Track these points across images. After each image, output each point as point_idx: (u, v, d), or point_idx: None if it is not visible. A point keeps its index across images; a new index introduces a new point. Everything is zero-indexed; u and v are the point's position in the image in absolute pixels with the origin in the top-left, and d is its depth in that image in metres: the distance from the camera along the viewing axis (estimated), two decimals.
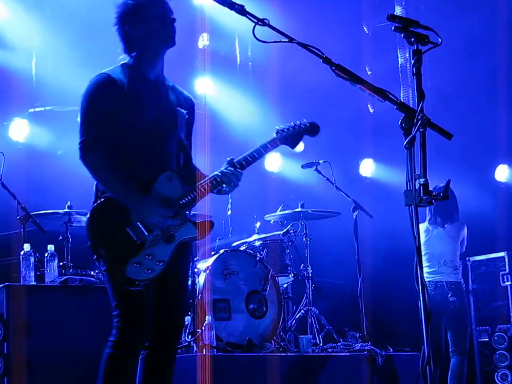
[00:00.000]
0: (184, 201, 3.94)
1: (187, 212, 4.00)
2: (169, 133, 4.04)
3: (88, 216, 3.90)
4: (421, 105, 2.89)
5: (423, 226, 7.52)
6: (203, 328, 6.10)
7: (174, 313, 4.01)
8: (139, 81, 4.01)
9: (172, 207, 3.88)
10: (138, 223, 3.82)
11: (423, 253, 7.37)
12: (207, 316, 6.19)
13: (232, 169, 3.95)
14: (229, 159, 4.01)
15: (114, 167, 3.84)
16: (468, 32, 9.45)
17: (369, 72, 10.04)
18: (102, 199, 3.88)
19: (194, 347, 6.09)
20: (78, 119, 4.00)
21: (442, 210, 7.28)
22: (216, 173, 3.99)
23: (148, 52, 4.03)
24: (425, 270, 7.40)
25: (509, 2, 9.22)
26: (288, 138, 4.09)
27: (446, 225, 7.32)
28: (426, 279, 7.17)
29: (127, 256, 3.77)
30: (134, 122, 3.92)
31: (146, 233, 3.83)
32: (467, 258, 8.30)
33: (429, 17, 9.74)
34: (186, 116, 4.14)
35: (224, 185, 3.98)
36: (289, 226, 7.66)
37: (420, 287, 2.80)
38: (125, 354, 3.84)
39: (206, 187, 3.97)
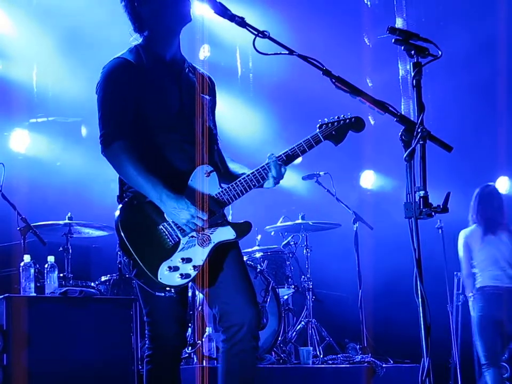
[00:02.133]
0: (222, 199, 3.62)
1: (224, 211, 3.66)
2: (196, 120, 3.71)
3: (116, 214, 3.55)
4: (421, 117, 2.89)
5: (471, 232, 7.30)
6: (203, 339, 6.09)
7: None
8: (156, 62, 3.70)
9: (208, 206, 3.56)
10: (172, 223, 3.52)
11: (481, 258, 7.18)
12: (207, 328, 6.18)
13: (276, 162, 3.64)
14: (269, 154, 3.67)
15: (140, 160, 3.50)
16: (468, 44, 9.48)
17: (370, 84, 10.06)
18: (130, 195, 3.59)
19: (195, 358, 6.09)
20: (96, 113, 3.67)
21: (491, 217, 7.19)
22: (256, 169, 3.67)
23: (162, 30, 3.71)
24: (489, 274, 7.18)
25: (508, 15, 9.24)
26: (332, 133, 3.72)
27: (498, 231, 7.20)
28: (490, 284, 7.06)
29: (160, 259, 3.47)
30: (157, 108, 3.62)
31: (180, 234, 3.53)
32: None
33: (430, 29, 9.77)
34: (210, 103, 3.87)
35: (267, 179, 3.66)
36: (289, 237, 7.67)
37: (420, 299, 2.80)
38: (161, 366, 3.66)
39: (246, 184, 3.64)
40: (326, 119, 3.75)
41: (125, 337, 5.36)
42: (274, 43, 3.29)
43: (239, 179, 3.66)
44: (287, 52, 3.26)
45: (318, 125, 3.74)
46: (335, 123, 3.74)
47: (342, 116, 3.76)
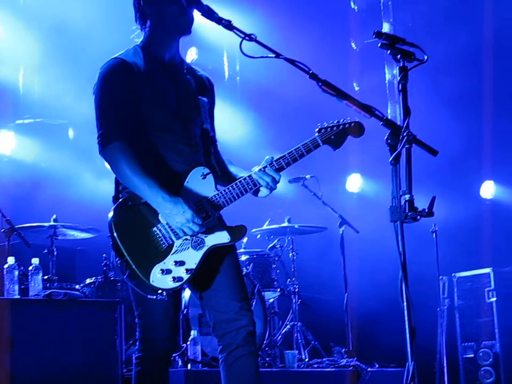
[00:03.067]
0: (217, 201, 3.58)
1: (218, 215, 3.63)
2: (193, 121, 3.72)
3: (110, 214, 3.49)
4: (406, 121, 2.91)
5: None
6: (188, 343, 6.08)
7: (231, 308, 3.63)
8: (154, 63, 3.70)
9: (203, 209, 3.54)
10: (166, 225, 3.49)
11: None
12: (192, 331, 6.17)
13: (269, 171, 3.59)
14: (268, 157, 3.62)
15: (137, 161, 3.49)
16: (455, 49, 9.51)
17: (357, 88, 10.08)
18: (126, 196, 3.55)
19: (180, 362, 6.07)
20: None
21: None
22: (253, 171, 3.62)
23: (161, 33, 3.72)
24: None
25: (495, 19, 9.28)
26: (331, 138, 3.64)
27: None
28: None
29: (153, 261, 3.43)
30: (154, 109, 3.62)
31: (174, 237, 3.49)
32: (452, 275, 8.31)
33: (416, 34, 9.80)
34: (208, 105, 3.85)
35: (260, 188, 3.63)
36: (276, 241, 7.67)
37: (405, 303, 2.80)
38: (151, 369, 3.64)
39: (243, 188, 3.60)
40: (325, 123, 3.68)
41: (110, 340, 5.34)
42: (261, 46, 3.29)
43: (235, 182, 3.63)
44: (273, 55, 3.26)
45: (317, 129, 3.66)
46: (334, 127, 3.67)
47: (341, 120, 3.70)
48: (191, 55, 9.23)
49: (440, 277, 8.13)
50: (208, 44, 9.14)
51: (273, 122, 9.68)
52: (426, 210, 2.85)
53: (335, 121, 3.69)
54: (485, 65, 9.29)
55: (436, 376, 7.94)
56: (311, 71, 3.18)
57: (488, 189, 10.19)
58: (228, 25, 3.41)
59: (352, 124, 3.69)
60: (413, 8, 10.18)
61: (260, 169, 3.60)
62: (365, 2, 10.18)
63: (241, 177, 3.65)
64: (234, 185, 3.62)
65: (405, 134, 2.89)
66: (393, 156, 2.89)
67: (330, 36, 9.63)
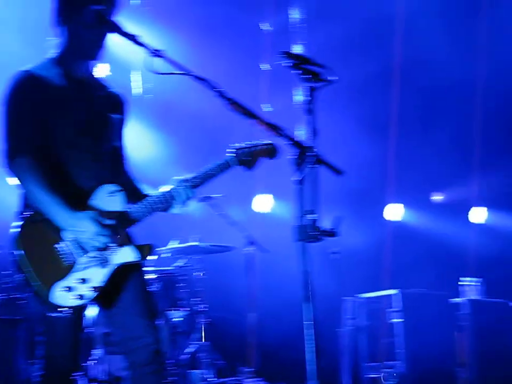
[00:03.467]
0: (126, 219, 3.57)
1: (126, 232, 3.59)
2: (103, 138, 3.71)
3: (14, 230, 3.43)
4: (313, 142, 2.94)
5: None
6: (92, 362, 5.99)
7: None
8: (66, 78, 3.67)
9: (110, 226, 3.51)
10: (70, 242, 3.43)
11: None
12: (96, 350, 6.08)
13: (184, 188, 3.62)
14: (180, 177, 3.64)
15: (43, 177, 3.44)
16: (365, 72, 9.70)
17: (268, 109, 10.14)
18: (31, 211, 3.47)
19: (83, 381, 5.96)
20: None
21: None
22: (164, 190, 3.63)
23: (74, 52, 3.69)
24: None
25: (403, 43, 9.51)
26: (245, 159, 3.72)
27: None
28: None
29: (55, 278, 3.38)
30: (63, 124, 3.58)
31: (79, 254, 3.44)
32: (356, 296, 8.41)
33: (328, 56, 9.93)
34: (119, 122, 3.84)
35: (173, 205, 3.65)
36: (184, 260, 7.63)
37: (308, 322, 2.82)
38: None
39: (154, 206, 3.61)
40: (241, 144, 3.71)
41: (10, 358, 5.22)
42: (170, 63, 3.28)
43: (146, 200, 3.63)
44: (182, 72, 3.26)
45: (231, 150, 3.70)
46: (249, 148, 3.73)
47: (257, 141, 3.73)
48: (104, 71, 9.14)
49: (344, 298, 8.23)
50: (121, 60, 9.06)
51: (183, 140, 9.67)
52: (330, 231, 2.88)
53: (250, 142, 3.74)
54: (392, 90, 9.50)
55: None
56: (219, 89, 3.19)
57: (393, 211, 10.38)
58: (136, 40, 3.41)
59: (266, 146, 3.74)
60: (326, 31, 10.34)
61: (174, 187, 3.61)
62: (278, 22, 10.28)
63: (152, 194, 3.65)
64: (144, 202, 3.62)
65: (311, 154, 2.92)
66: (299, 175, 2.92)
67: (241, 55, 9.69)
